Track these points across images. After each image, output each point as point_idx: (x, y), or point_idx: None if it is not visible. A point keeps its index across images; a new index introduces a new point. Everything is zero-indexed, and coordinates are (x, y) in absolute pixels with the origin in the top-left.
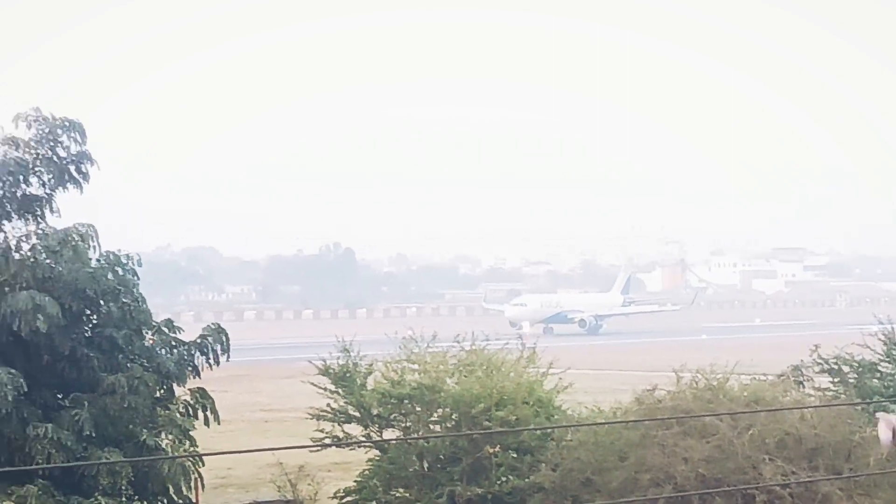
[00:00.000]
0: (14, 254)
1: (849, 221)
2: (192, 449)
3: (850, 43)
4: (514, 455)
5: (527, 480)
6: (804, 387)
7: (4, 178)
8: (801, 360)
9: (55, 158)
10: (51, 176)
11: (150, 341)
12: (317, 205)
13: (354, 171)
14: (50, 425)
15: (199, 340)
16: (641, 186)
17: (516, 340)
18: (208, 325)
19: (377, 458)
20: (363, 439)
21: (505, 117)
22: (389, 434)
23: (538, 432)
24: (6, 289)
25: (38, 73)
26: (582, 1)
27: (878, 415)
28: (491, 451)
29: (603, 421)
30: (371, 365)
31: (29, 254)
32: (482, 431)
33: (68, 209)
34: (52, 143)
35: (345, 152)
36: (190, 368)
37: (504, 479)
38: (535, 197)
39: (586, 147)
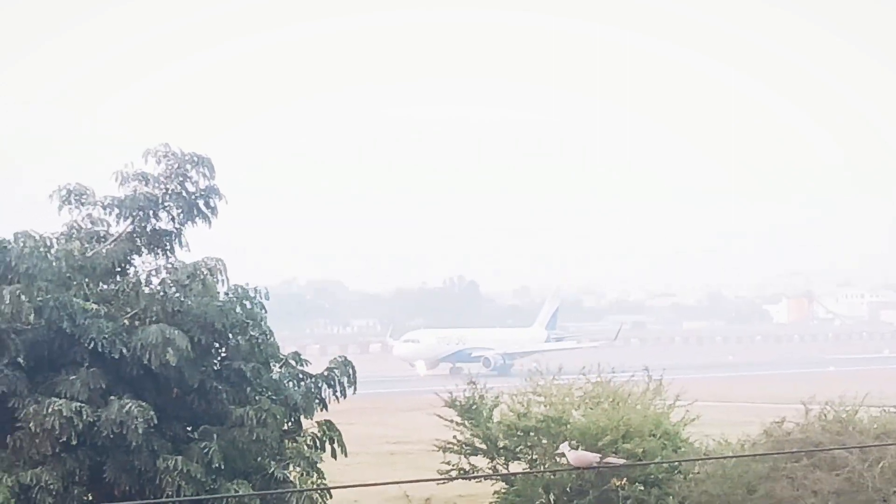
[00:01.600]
0: (144, 288)
1: None
2: (319, 481)
3: (850, 43)
4: (642, 488)
5: None
6: None
7: (135, 214)
8: None
9: (184, 193)
10: (180, 211)
11: (278, 374)
12: (436, 236)
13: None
14: (180, 458)
15: (326, 373)
16: (642, 186)
17: (642, 373)
18: (335, 358)
19: (504, 490)
20: (490, 472)
21: (505, 117)
22: (516, 467)
23: (665, 465)
24: (137, 322)
25: (38, 73)
26: (582, 1)
27: (563, 447)
28: (618, 483)
29: (731, 454)
30: (497, 397)
31: (159, 288)
32: (609, 465)
33: (197, 242)
34: (181, 179)
35: (420, 166)
36: (317, 401)
37: None
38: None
39: (586, 147)
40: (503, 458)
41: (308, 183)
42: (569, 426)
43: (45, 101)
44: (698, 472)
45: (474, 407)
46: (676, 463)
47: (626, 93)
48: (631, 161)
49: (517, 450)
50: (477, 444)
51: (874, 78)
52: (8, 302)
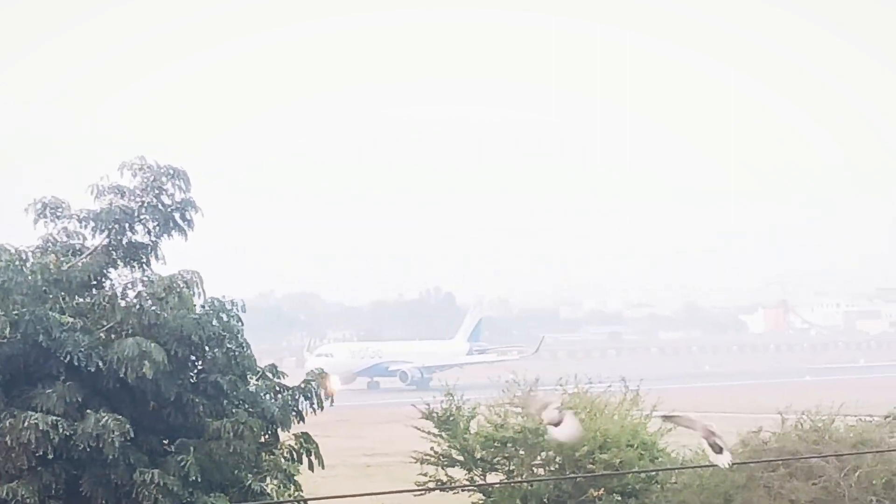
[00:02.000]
0: (120, 301)
1: None
2: (297, 494)
3: (850, 43)
4: (619, 498)
5: None
6: None
7: (111, 227)
8: None
9: (160, 206)
10: (156, 223)
11: (255, 387)
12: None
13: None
14: (156, 471)
15: (302, 385)
16: (642, 187)
17: (619, 383)
18: (311, 370)
19: (481, 501)
20: (467, 483)
21: (505, 117)
22: (493, 478)
23: (643, 475)
24: (113, 336)
25: (38, 73)
26: (582, 1)
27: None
28: (595, 494)
29: (708, 464)
30: (474, 408)
31: (135, 301)
32: (586, 475)
33: (172, 256)
34: (156, 191)
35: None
36: (294, 413)
37: None
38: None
39: (586, 147)
40: (480, 469)
41: (308, 183)
42: (546, 437)
43: (45, 101)
44: (675, 483)
45: (451, 418)
46: (654, 473)
47: (626, 93)
48: (631, 161)
49: (494, 461)
50: (454, 456)
51: (874, 78)
52: None
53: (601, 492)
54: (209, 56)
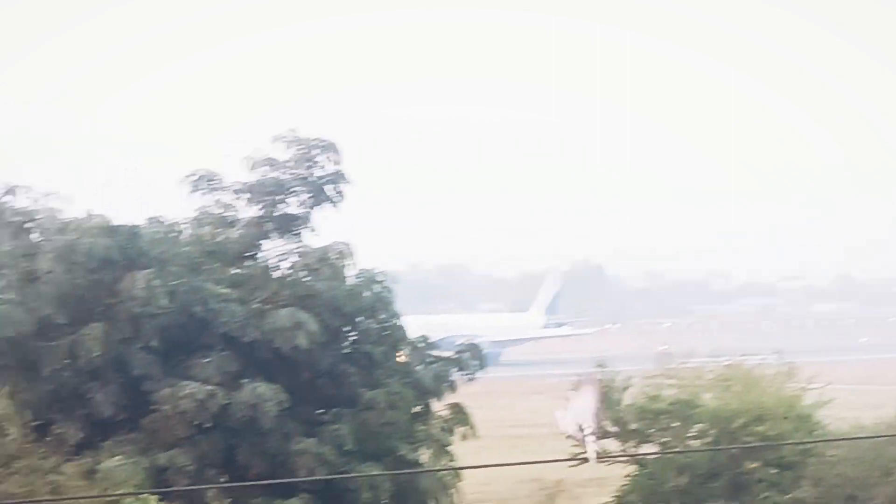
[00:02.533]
0: (274, 272)
1: None
2: (450, 464)
3: (850, 43)
4: (775, 471)
5: (788, 497)
6: None
7: (264, 199)
8: None
9: (312, 178)
10: (308, 195)
11: (406, 357)
12: (561, 218)
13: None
14: (312, 440)
15: (454, 356)
16: (642, 186)
17: (772, 356)
18: (464, 342)
19: (635, 473)
20: (621, 454)
21: (505, 117)
22: (647, 449)
23: (799, 448)
24: (267, 306)
25: (38, 73)
26: (582, 1)
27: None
28: (751, 466)
29: (865, 435)
30: (627, 380)
31: (288, 272)
32: (742, 446)
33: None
34: (308, 164)
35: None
36: (446, 384)
37: (765, 495)
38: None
39: (586, 147)
40: (634, 440)
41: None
42: (700, 409)
43: (45, 101)
44: (832, 455)
45: (604, 390)
46: (810, 445)
47: (626, 93)
48: (631, 161)
49: (648, 432)
50: (608, 428)
51: (874, 78)
52: (142, 286)
53: (758, 464)
54: (209, 56)
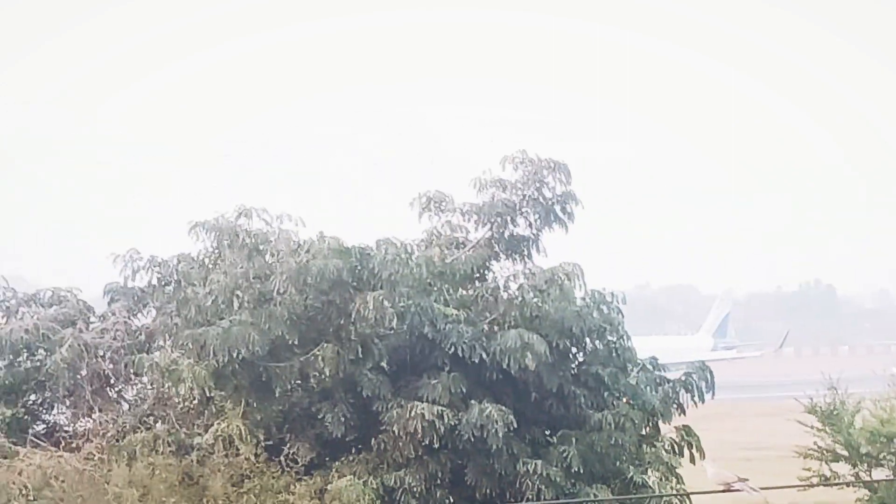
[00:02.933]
0: (503, 293)
1: None
2: (678, 487)
3: (850, 43)
4: None
5: None
6: None
7: (493, 220)
8: None
9: (541, 199)
10: (537, 216)
11: (635, 378)
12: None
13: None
14: (540, 461)
15: (683, 378)
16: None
17: None
18: (693, 363)
19: (866, 497)
20: (852, 479)
21: (505, 117)
22: (878, 474)
23: None
24: (495, 328)
25: (38, 73)
26: (582, 1)
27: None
28: None
29: None
30: (859, 402)
31: (517, 293)
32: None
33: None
34: (538, 185)
35: None
36: (675, 406)
37: None
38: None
39: (586, 147)
40: (866, 464)
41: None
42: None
43: (45, 101)
44: None
45: (835, 412)
46: None
47: (626, 93)
48: (631, 161)
49: (880, 456)
50: (838, 451)
51: (874, 78)
52: (371, 308)
53: None
54: (209, 56)
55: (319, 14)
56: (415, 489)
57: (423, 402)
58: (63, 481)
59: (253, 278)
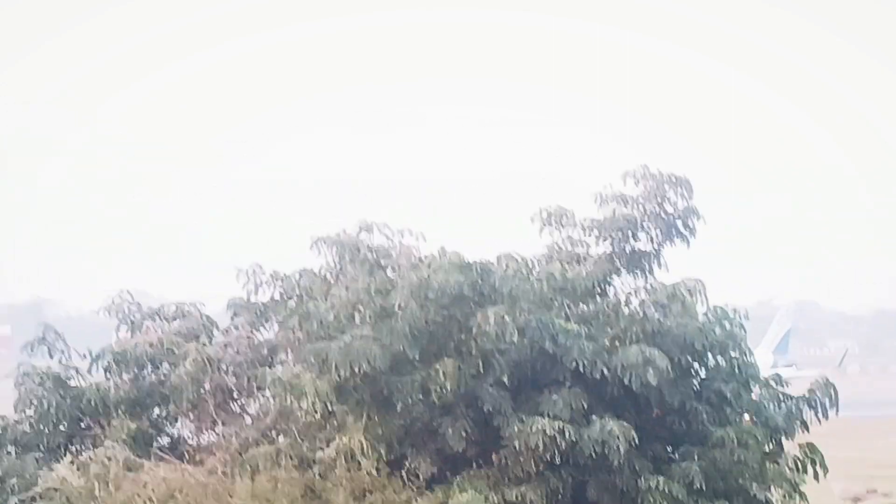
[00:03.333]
0: (624, 308)
1: None
2: None
3: (850, 43)
4: None
5: None
6: None
7: (614, 235)
8: None
9: (662, 214)
10: (658, 231)
11: (758, 395)
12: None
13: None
14: (661, 478)
15: (807, 394)
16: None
17: None
18: (816, 380)
19: None
20: None
21: (505, 117)
22: None
23: None
24: (617, 343)
25: (38, 73)
26: (582, 1)
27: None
28: None
29: None
30: None
31: (638, 308)
32: None
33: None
34: (659, 199)
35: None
36: (798, 422)
37: None
38: None
39: (586, 147)
40: None
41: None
42: None
43: (45, 101)
44: None
45: None
46: None
47: (626, 93)
48: (631, 161)
49: None
50: None
51: (874, 78)
52: (492, 322)
53: None
54: (209, 56)
55: (319, 14)
56: None
57: (544, 417)
58: (187, 494)
59: (374, 293)
